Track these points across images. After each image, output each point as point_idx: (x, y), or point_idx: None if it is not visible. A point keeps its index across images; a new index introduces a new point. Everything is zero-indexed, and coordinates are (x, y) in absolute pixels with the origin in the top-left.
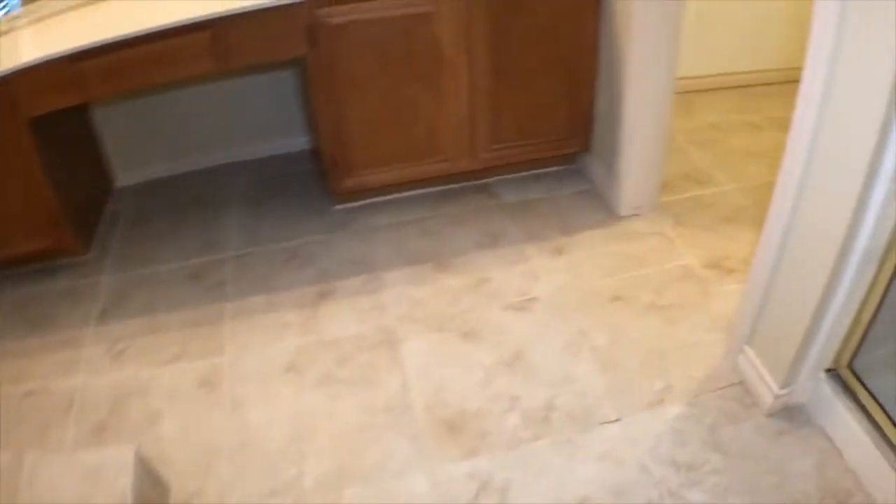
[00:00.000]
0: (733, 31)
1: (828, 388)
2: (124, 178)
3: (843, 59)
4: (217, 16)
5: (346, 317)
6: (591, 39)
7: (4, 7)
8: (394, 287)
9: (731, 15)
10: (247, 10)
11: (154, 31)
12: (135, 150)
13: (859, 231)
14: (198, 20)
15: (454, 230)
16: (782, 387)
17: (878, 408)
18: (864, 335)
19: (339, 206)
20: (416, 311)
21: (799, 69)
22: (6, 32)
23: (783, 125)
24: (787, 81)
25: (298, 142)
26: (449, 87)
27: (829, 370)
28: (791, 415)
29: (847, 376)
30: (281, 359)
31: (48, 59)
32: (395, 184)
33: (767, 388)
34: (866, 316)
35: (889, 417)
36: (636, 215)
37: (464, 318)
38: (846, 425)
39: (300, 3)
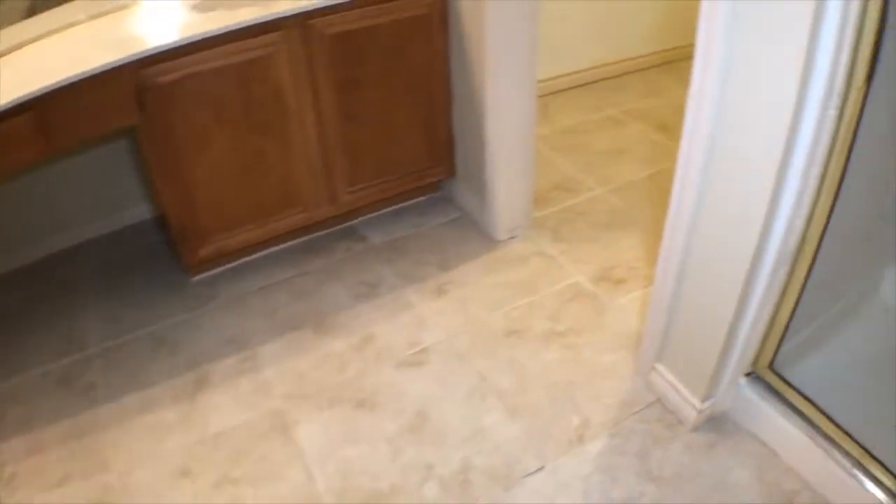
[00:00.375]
0: (577, 26)
1: (750, 392)
2: None
3: (742, 36)
4: (35, 94)
5: (228, 405)
6: (441, 62)
7: None
8: (273, 362)
9: (574, 11)
10: (67, 82)
11: None
12: None
13: (772, 230)
14: (15, 102)
15: (327, 285)
16: (704, 400)
17: (805, 401)
18: (782, 336)
19: (198, 277)
20: (302, 386)
21: (648, 56)
22: None
23: (642, 116)
24: (637, 70)
25: (143, 210)
26: (297, 132)
27: (749, 374)
28: (717, 425)
29: (769, 377)
30: (170, 464)
31: None
32: (254, 244)
33: (688, 404)
34: (784, 317)
35: (817, 408)
36: (513, 237)
37: (355, 385)
38: (776, 425)
39: (124, 65)
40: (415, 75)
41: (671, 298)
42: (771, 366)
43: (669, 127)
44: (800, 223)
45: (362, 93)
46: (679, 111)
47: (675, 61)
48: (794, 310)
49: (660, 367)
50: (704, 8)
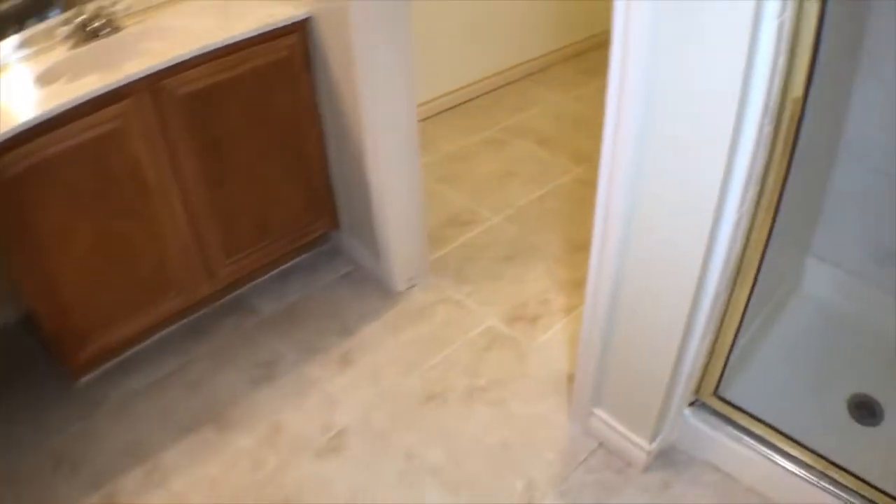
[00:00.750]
0: (442, 47)
1: (697, 421)
2: None
3: (667, 51)
4: None
5: None
6: (310, 107)
7: None
8: (180, 471)
9: (437, 31)
10: None
11: None
12: None
13: (713, 257)
14: None
15: (221, 371)
16: (652, 440)
17: (754, 421)
18: (726, 360)
19: (84, 379)
20: (216, 494)
21: (515, 68)
22: None
23: (521, 132)
24: (506, 84)
25: (14, 308)
26: (162, 210)
27: (692, 403)
28: (668, 459)
29: (715, 404)
30: None
31: None
32: (136, 336)
33: (636, 446)
34: (727, 341)
35: (767, 425)
36: (413, 286)
37: (275, 484)
38: (729, 449)
39: None
40: (283, 125)
41: (603, 340)
42: (716, 392)
43: (550, 140)
44: (738, 246)
45: (228, 154)
46: (556, 120)
47: (542, 69)
48: (737, 332)
49: (599, 411)
50: (618, 22)
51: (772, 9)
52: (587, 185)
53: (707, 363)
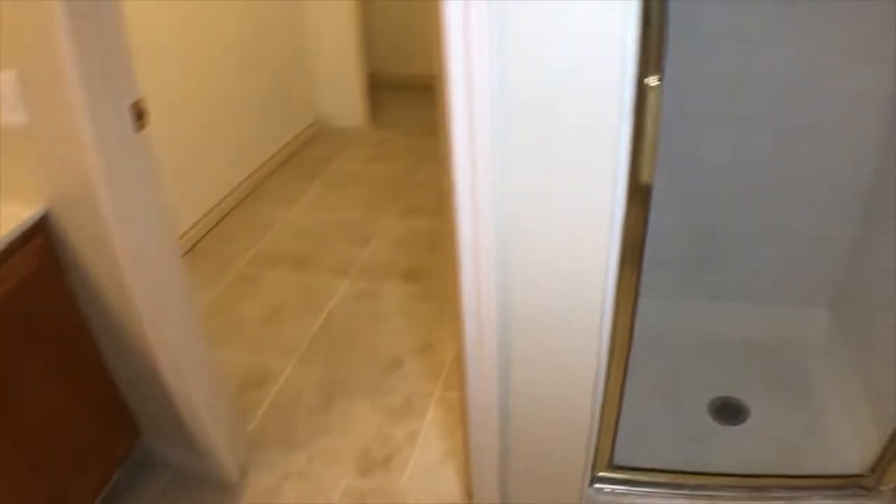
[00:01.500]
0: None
1: (602, 496)
2: None
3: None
4: None
5: None
6: (73, 315)
7: None
8: None
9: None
10: None
11: None
12: None
13: (601, 346)
14: None
15: None
16: None
17: (656, 472)
18: (615, 433)
19: None
20: None
21: (235, 191)
22: None
23: (269, 260)
24: (231, 211)
25: None
26: None
27: (592, 480)
28: None
29: (614, 473)
30: None
31: None
32: None
33: None
34: (613, 415)
35: (667, 470)
36: (247, 472)
37: None
38: None
39: None
40: (52, 345)
41: (500, 466)
42: (611, 465)
43: (302, 260)
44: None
45: (11, 398)
46: (297, 237)
47: (260, 185)
48: (621, 402)
49: None
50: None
51: (627, 106)
52: (362, 297)
53: (598, 441)
